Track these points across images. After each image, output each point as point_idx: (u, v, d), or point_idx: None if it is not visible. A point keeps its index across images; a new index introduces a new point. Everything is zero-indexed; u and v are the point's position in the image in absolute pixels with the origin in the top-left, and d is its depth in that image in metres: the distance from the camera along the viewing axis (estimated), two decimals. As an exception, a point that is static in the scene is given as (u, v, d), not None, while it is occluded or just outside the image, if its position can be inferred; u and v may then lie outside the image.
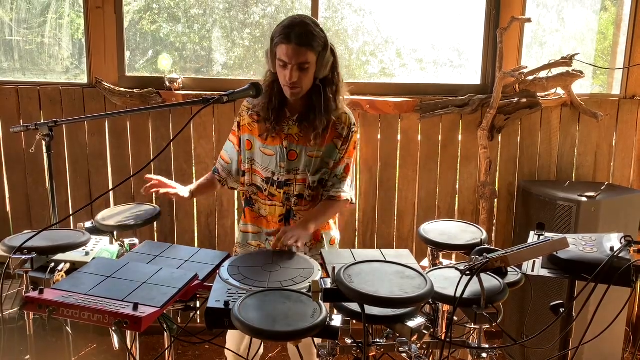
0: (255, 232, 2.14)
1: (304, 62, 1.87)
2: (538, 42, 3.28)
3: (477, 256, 1.46)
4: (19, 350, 2.20)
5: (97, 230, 2.02)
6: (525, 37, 3.10)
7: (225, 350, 2.29)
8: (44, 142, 2.10)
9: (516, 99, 3.01)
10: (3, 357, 1.73)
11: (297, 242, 1.81)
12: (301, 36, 1.84)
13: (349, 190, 2.09)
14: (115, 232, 2.00)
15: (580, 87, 3.12)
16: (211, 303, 1.43)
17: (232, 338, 2.19)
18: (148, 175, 2.11)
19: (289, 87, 1.92)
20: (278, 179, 2.04)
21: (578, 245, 1.69)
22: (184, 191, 2.13)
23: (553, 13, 3.26)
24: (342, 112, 2.04)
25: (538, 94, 3.03)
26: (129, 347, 1.69)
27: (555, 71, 2.96)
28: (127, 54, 3.07)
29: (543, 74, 2.98)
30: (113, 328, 1.30)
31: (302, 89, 1.94)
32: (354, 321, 1.48)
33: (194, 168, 3.08)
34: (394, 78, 3.33)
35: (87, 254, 1.83)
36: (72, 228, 2.03)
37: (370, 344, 1.54)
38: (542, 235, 1.80)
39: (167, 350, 1.81)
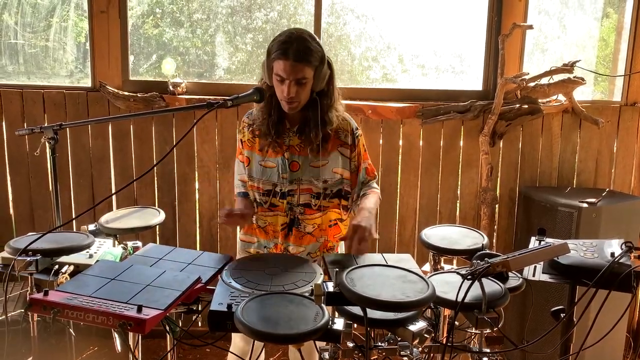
0: (253, 242, 2.15)
1: (302, 78, 1.86)
2: (539, 48, 3.30)
3: (478, 261, 1.47)
4: (22, 352, 2.21)
5: (100, 233, 2.03)
6: (527, 44, 3.11)
7: (228, 352, 2.29)
8: (48, 145, 2.12)
9: (517, 105, 3.03)
10: (6, 358, 1.74)
11: (372, 234, 1.91)
12: (299, 52, 1.83)
13: (376, 187, 2.15)
14: (118, 235, 2.01)
15: (581, 94, 3.14)
16: (214, 306, 1.44)
17: (236, 342, 2.20)
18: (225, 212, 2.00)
19: (287, 101, 1.91)
20: (280, 190, 2.04)
21: (579, 250, 1.70)
22: (249, 211, 2.08)
23: (554, 20, 3.27)
24: (340, 120, 2.03)
25: (539, 100, 3.04)
26: (132, 349, 1.69)
27: (557, 78, 2.97)
28: (131, 58, 3.09)
29: (544, 81, 2.99)
30: (117, 330, 1.31)
31: (300, 103, 1.93)
32: (356, 325, 1.49)
33: (196, 172, 3.09)
34: (396, 83, 3.34)
35: (90, 256, 1.84)
36: (75, 230, 2.04)
37: (372, 347, 1.55)
38: (543, 240, 1.80)
39: (169, 353, 1.81)
